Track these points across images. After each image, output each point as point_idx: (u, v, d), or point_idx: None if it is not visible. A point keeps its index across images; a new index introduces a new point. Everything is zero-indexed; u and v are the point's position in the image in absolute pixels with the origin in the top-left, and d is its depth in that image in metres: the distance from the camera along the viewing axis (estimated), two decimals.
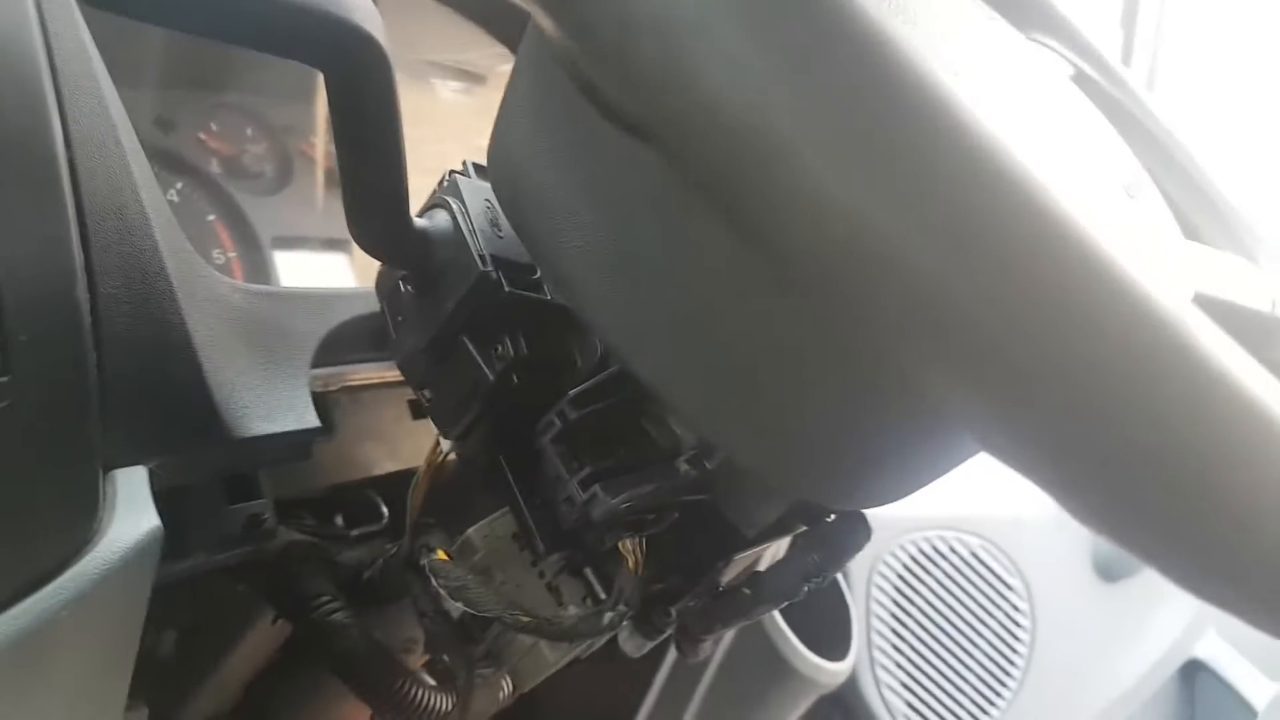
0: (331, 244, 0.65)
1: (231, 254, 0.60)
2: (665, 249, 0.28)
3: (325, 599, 0.46)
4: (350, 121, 0.33)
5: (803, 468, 0.31)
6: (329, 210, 0.66)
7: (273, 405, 0.40)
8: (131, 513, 0.31)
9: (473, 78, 0.67)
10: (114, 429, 0.33)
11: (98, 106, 0.34)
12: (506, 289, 0.36)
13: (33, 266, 0.29)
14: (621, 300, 0.30)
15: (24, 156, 0.30)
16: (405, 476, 0.55)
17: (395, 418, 0.58)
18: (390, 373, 0.52)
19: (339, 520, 0.57)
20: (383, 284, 0.40)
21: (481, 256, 0.36)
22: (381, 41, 0.31)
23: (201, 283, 0.38)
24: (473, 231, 0.37)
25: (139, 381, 0.34)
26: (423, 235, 0.37)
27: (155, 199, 0.36)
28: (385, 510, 0.56)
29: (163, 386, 0.35)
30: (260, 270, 0.61)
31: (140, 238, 0.35)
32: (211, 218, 0.60)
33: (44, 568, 0.28)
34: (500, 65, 0.69)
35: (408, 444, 0.59)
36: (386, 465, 0.57)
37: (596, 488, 0.34)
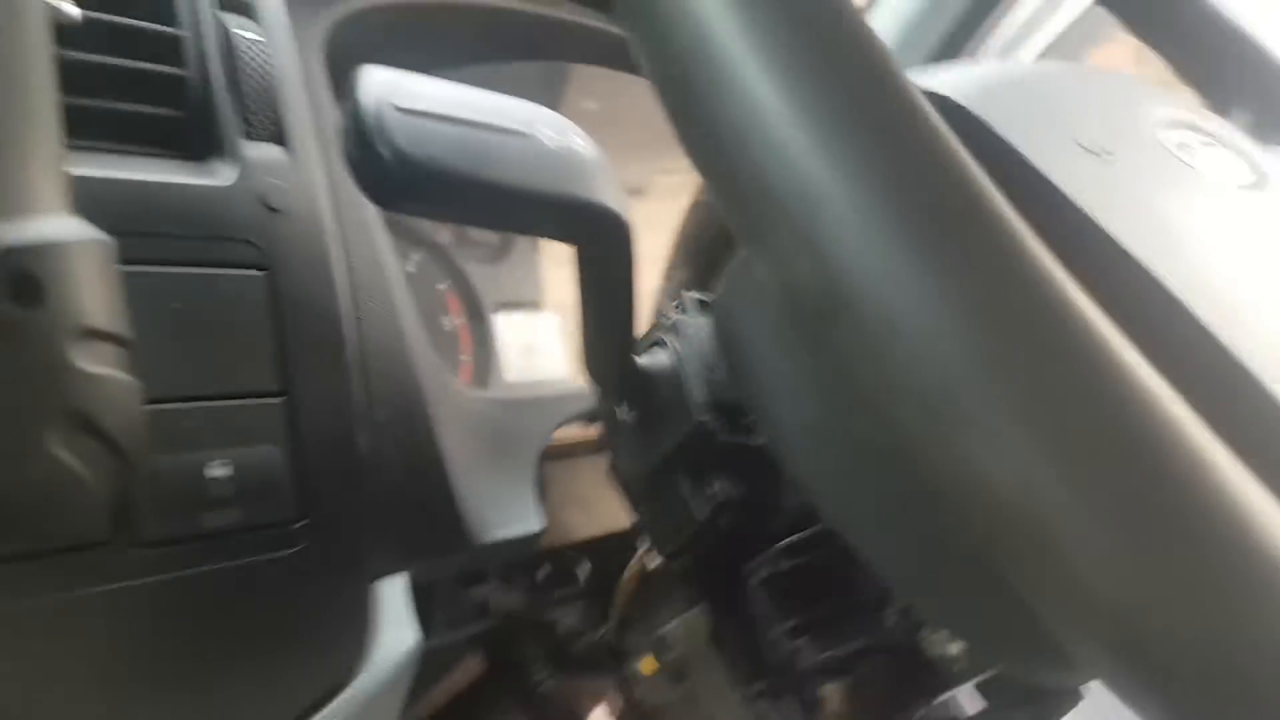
0: (546, 305, 0.71)
1: (459, 320, 0.66)
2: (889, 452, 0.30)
3: (537, 667, 0.52)
4: (594, 283, 0.37)
5: (1007, 648, 0.33)
6: (545, 275, 0.72)
7: (507, 511, 0.45)
8: (396, 625, 0.37)
9: (634, 192, 0.72)
10: (378, 545, 0.38)
11: (373, 246, 0.40)
12: (722, 439, 0.39)
13: (328, 412, 0.36)
14: (839, 480, 0.32)
15: (318, 314, 0.36)
16: (602, 540, 0.61)
17: (595, 481, 0.63)
18: (592, 433, 0.57)
19: (542, 575, 0.63)
20: (603, 405, 0.45)
21: (699, 405, 0.39)
22: (629, 222, 0.35)
23: (449, 398, 0.44)
24: (691, 376, 0.40)
25: (400, 500, 0.40)
26: (644, 374, 0.41)
27: (414, 323, 0.42)
28: (585, 574, 0.61)
29: (419, 502, 0.41)
30: (483, 335, 0.67)
31: (406, 367, 0.40)
32: (442, 286, 0.67)
33: (329, 684, 0.34)
34: (659, 178, 0.73)
35: (606, 509, 0.64)
36: (587, 530, 0.62)
37: (804, 640, 0.37)
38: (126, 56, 0.34)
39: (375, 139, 0.29)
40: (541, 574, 0.64)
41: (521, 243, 0.71)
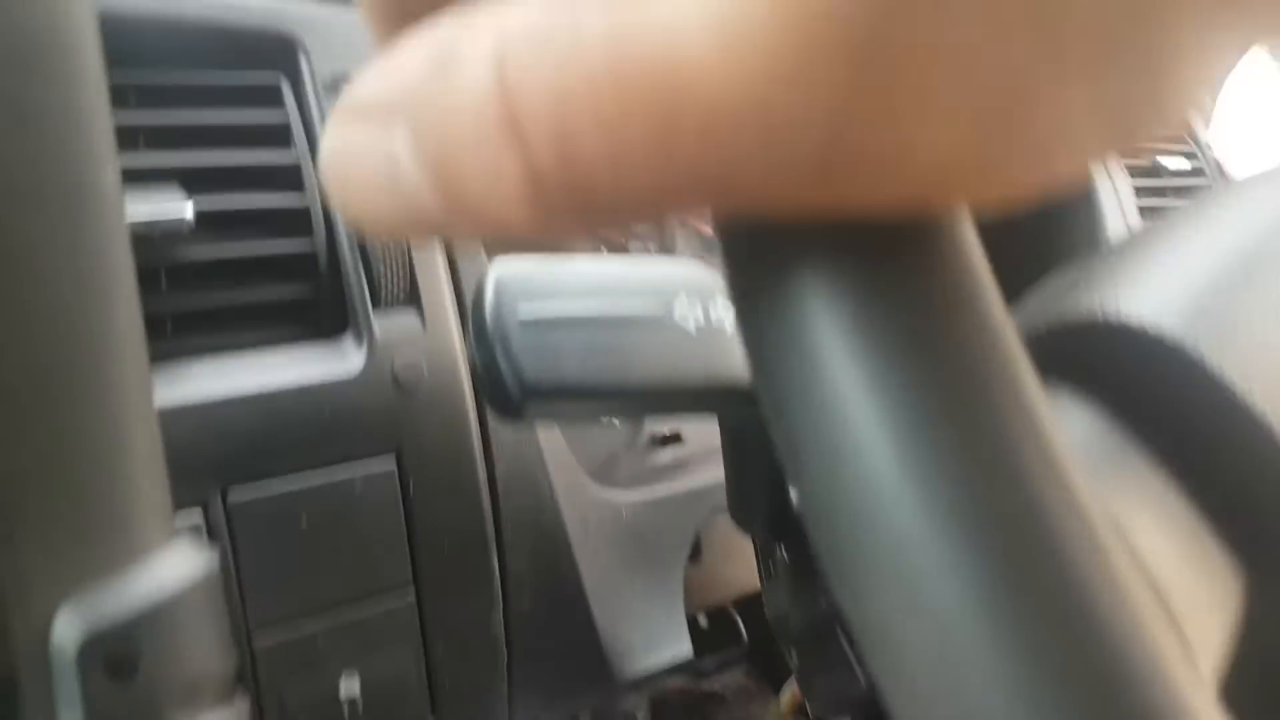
0: None
1: None
2: None
3: None
4: (740, 438, 0.35)
5: None
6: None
7: (653, 635, 0.44)
8: None
9: None
10: (516, 701, 0.38)
11: None
12: None
13: (462, 598, 0.35)
14: None
15: (450, 492, 0.35)
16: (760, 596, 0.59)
17: None
18: None
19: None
20: (756, 542, 0.42)
21: None
22: None
23: (590, 513, 0.43)
24: None
25: (540, 649, 0.39)
26: (799, 515, 0.38)
27: (555, 435, 0.40)
28: (745, 635, 0.60)
29: (560, 647, 0.40)
30: None
31: (545, 505, 0.39)
32: None
33: None
34: None
35: None
36: (744, 585, 0.60)
37: None
38: (249, 238, 0.33)
39: (500, 365, 0.27)
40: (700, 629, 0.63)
41: (684, 242, 0.67)
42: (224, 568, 0.30)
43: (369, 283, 0.34)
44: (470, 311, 0.27)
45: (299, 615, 0.31)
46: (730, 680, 0.60)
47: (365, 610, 0.32)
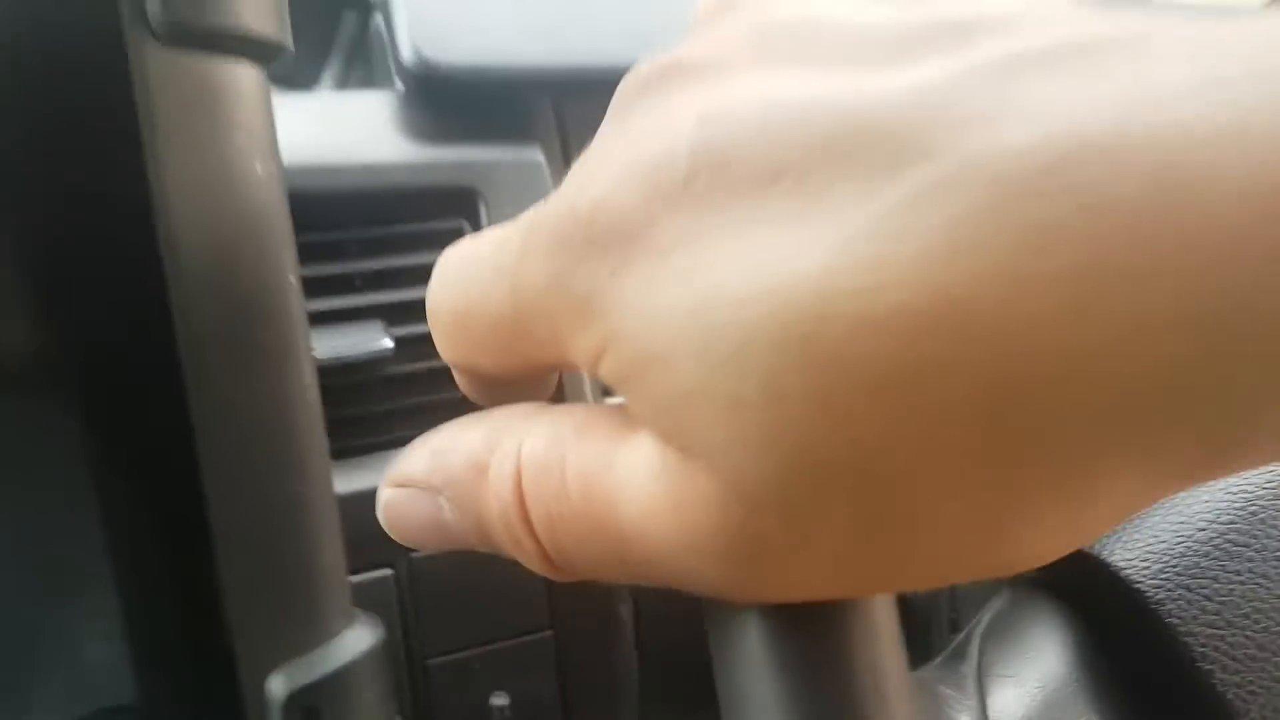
0: None
1: None
2: None
3: None
4: None
5: None
6: None
7: None
8: None
9: None
10: (646, 712, 0.47)
11: None
12: None
13: (596, 638, 0.44)
14: None
15: None
16: None
17: None
18: None
19: None
20: None
21: None
22: None
23: None
24: None
25: (668, 673, 0.48)
26: None
27: None
28: None
29: (686, 672, 0.48)
30: None
31: None
32: None
33: None
34: None
35: None
36: None
37: None
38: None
39: None
40: None
41: None
42: (407, 611, 0.41)
43: None
44: None
45: (463, 647, 0.42)
46: None
47: (512, 648, 0.43)
